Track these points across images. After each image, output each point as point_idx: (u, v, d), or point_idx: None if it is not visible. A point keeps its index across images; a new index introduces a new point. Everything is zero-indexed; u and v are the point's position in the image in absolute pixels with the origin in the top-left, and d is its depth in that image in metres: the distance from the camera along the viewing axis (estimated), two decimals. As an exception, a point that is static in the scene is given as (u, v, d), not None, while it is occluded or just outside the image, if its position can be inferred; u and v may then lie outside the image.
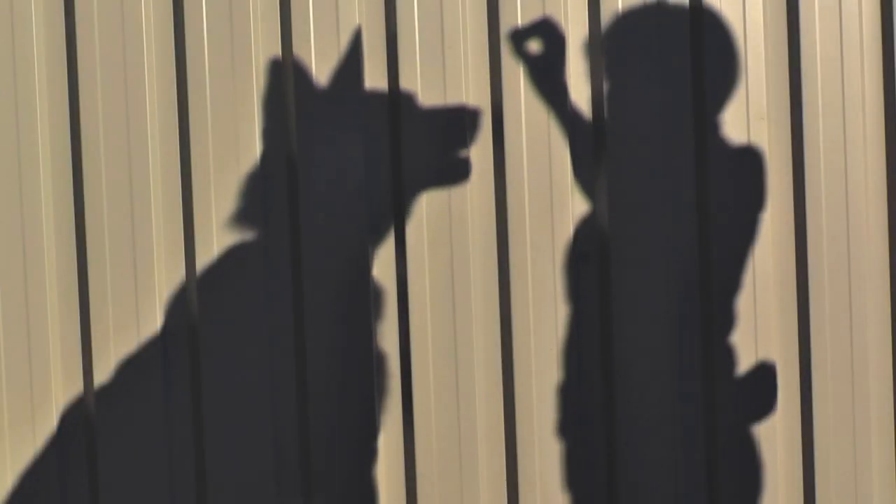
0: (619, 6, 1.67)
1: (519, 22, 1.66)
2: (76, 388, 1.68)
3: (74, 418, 1.68)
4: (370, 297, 1.67)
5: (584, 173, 1.68)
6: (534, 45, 1.66)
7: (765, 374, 1.68)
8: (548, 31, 1.67)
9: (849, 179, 1.67)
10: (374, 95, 1.67)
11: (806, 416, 1.69)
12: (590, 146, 1.68)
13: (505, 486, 1.70)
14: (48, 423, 1.68)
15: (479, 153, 1.67)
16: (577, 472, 1.69)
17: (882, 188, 1.68)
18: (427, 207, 1.67)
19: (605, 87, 1.68)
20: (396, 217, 1.68)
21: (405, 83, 1.67)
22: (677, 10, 1.68)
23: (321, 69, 1.66)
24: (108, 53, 1.66)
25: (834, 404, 1.69)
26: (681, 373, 1.68)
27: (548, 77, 1.67)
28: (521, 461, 1.69)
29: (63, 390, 1.68)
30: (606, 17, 1.67)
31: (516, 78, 1.67)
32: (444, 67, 1.66)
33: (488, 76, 1.67)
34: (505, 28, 1.67)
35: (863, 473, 1.69)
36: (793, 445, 1.69)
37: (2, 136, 1.67)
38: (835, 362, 1.68)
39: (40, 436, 1.68)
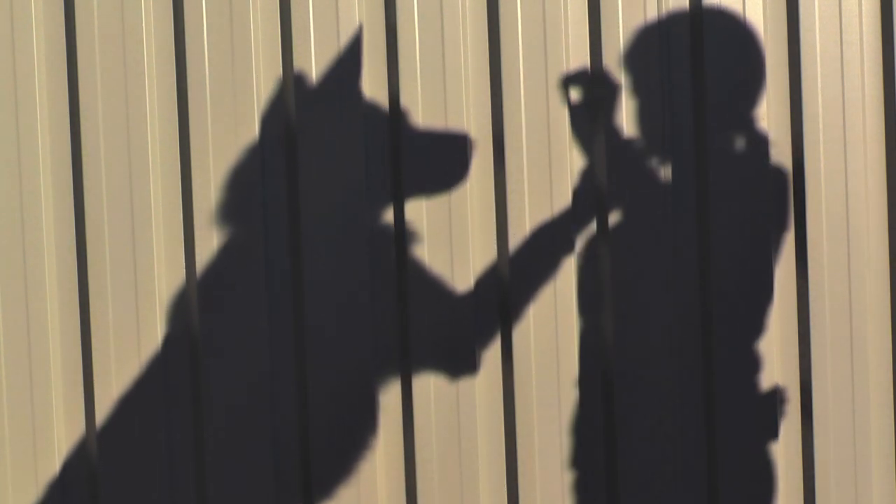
0: (620, 6, 1.67)
1: (519, 19, 1.66)
2: (76, 389, 1.68)
3: (74, 418, 1.69)
4: (370, 296, 1.68)
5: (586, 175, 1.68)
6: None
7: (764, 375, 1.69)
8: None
9: (849, 180, 1.67)
10: (374, 95, 1.67)
11: (806, 417, 1.69)
12: (590, 145, 1.68)
13: (505, 485, 1.70)
14: (47, 422, 1.68)
15: (479, 153, 1.67)
16: (577, 472, 1.69)
17: (882, 189, 1.68)
18: (427, 207, 1.67)
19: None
20: (396, 216, 1.68)
21: (405, 82, 1.67)
22: (676, 10, 1.67)
23: (321, 69, 1.66)
24: (108, 53, 1.66)
25: (834, 405, 1.68)
26: (681, 373, 1.68)
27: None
28: (520, 461, 1.69)
29: (63, 394, 1.68)
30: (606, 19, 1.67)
31: (517, 78, 1.67)
32: (444, 67, 1.66)
33: (488, 77, 1.67)
34: (505, 27, 1.67)
35: (863, 474, 1.69)
36: (793, 446, 1.69)
37: (2, 136, 1.67)
38: (834, 364, 1.68)
39: (39, 438, 1.69)
